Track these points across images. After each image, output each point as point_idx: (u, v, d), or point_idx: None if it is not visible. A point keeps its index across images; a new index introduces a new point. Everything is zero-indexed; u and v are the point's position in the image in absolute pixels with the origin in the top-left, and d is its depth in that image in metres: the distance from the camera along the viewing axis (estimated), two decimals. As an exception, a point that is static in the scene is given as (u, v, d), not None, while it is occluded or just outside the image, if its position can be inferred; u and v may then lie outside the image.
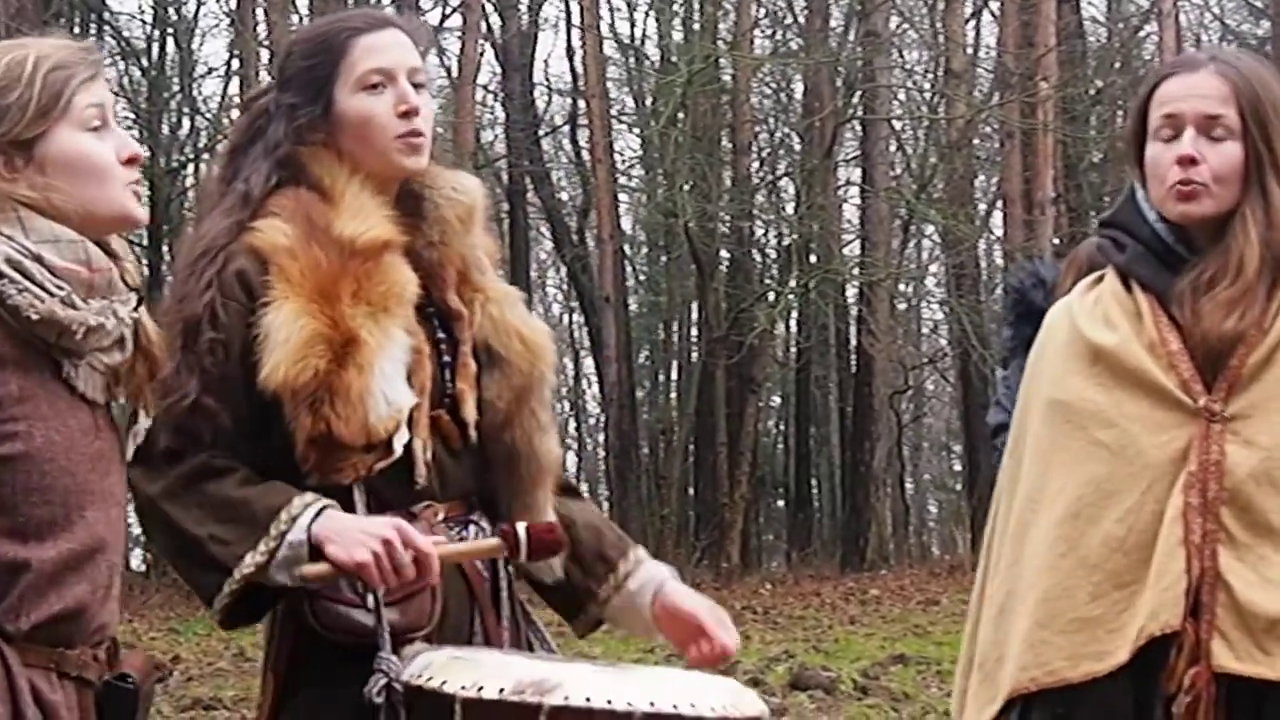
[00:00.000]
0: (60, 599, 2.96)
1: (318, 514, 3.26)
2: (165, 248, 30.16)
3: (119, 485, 3.13)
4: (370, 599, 3.28)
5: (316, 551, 3.24)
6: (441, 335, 3.52)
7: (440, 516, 3.45)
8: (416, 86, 3.51)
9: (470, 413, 3.50)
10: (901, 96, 31.18)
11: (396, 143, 3.48)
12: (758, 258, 31.18)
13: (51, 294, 2.94)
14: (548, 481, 3.59)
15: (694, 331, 32.05)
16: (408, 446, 3.37)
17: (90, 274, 3.01)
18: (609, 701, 3.00)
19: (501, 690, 3.03)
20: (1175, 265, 3.57)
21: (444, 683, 3.10)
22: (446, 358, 3.51)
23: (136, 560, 28.61)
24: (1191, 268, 3.54)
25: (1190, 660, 3.44)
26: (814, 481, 35.12)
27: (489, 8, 28.65)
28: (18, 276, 2.93)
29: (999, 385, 6.36)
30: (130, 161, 3.10)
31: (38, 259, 2.95)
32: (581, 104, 27.42)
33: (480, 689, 3.04)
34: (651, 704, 3.00)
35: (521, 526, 3.35)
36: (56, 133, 3.03)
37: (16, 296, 2.92)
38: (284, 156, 3.48)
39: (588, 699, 3.00)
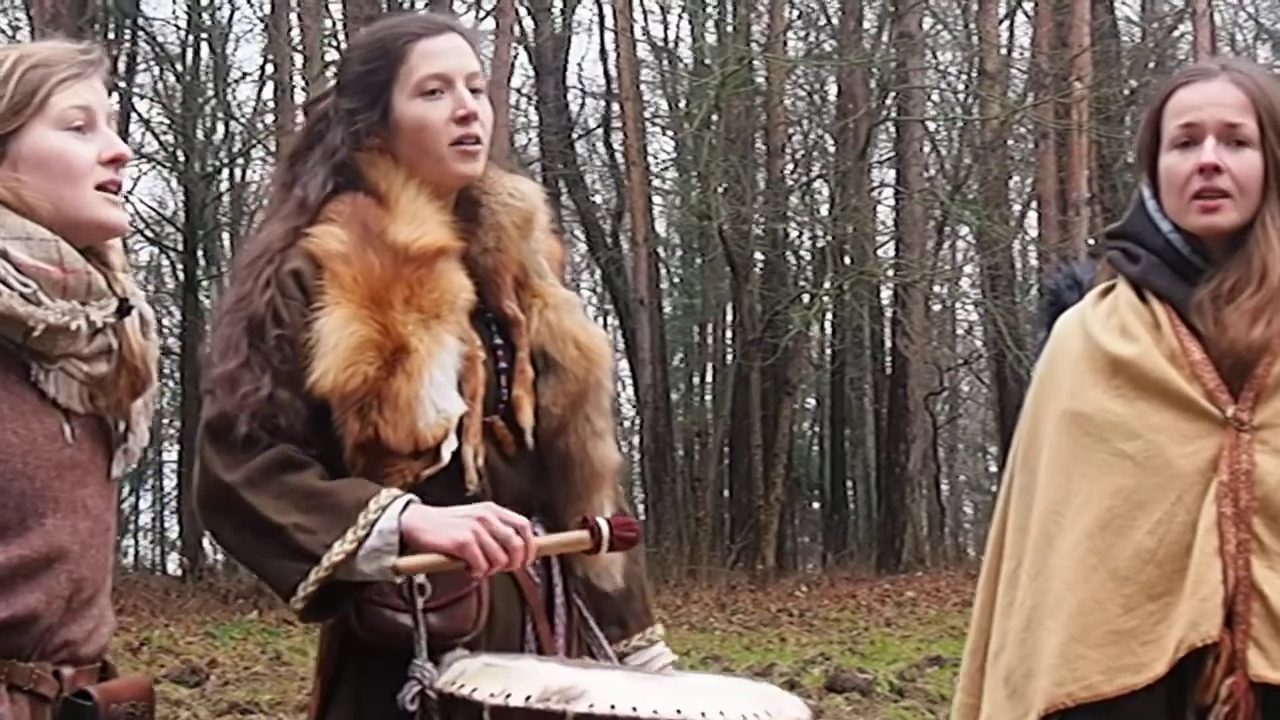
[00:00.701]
0: (9, 606, 2.87)
1: (406, 505, 3.25)
2: (200, 252, 30.28)
3: (96, 499, 3.04)
4: (417, 602, 3.27)
5: (406, 544, 3.22)
6: (498, 341, 3.52)
7: None
8: (474, 91, 3.51)
9: (527, 419, 3.49)
10: (935, 97, 31.16)
11: (452, 149, 3.47)
12: (792, 260, 31.19)
13: (12, 289, 2.88)
14: (604, 487, 3.58)
15: (728, 334, 32.08)
16: (458, 453, 3.37)
17: (62, 274, 2.95)
18: (634, 709, 2.98)
19: (528, 697, 3.02)
20: (1190, 275, 3.53)
21: (474, 690, 3.09)
22: (503, 364, 3.51)
23: (173, 565, 28.74)
24: (1210, 277, 3.50)
25: (1227, 670, 3.41)
26: (849, 483, 35.11)
27: (522, 11, 28.67)
28: None
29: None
30: (113, 161, 3.04)
31: (2, 255, 2.90)
32: (615, 107, 27.46)
33: (508, 696, 3.04)
34: (678, 711, 2.99)
35: (603, 520, 3.35)
36: (30, 130, 2.98)
37: None
38: (341, 162, 3.49)
39: (612, 706, 2.98)
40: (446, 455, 3.35)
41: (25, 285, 2.90)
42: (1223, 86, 3.53)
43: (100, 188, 3.02)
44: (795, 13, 30.48)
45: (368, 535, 3.21)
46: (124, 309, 3.05)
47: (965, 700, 3.77)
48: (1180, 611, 3.42)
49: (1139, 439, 3.49)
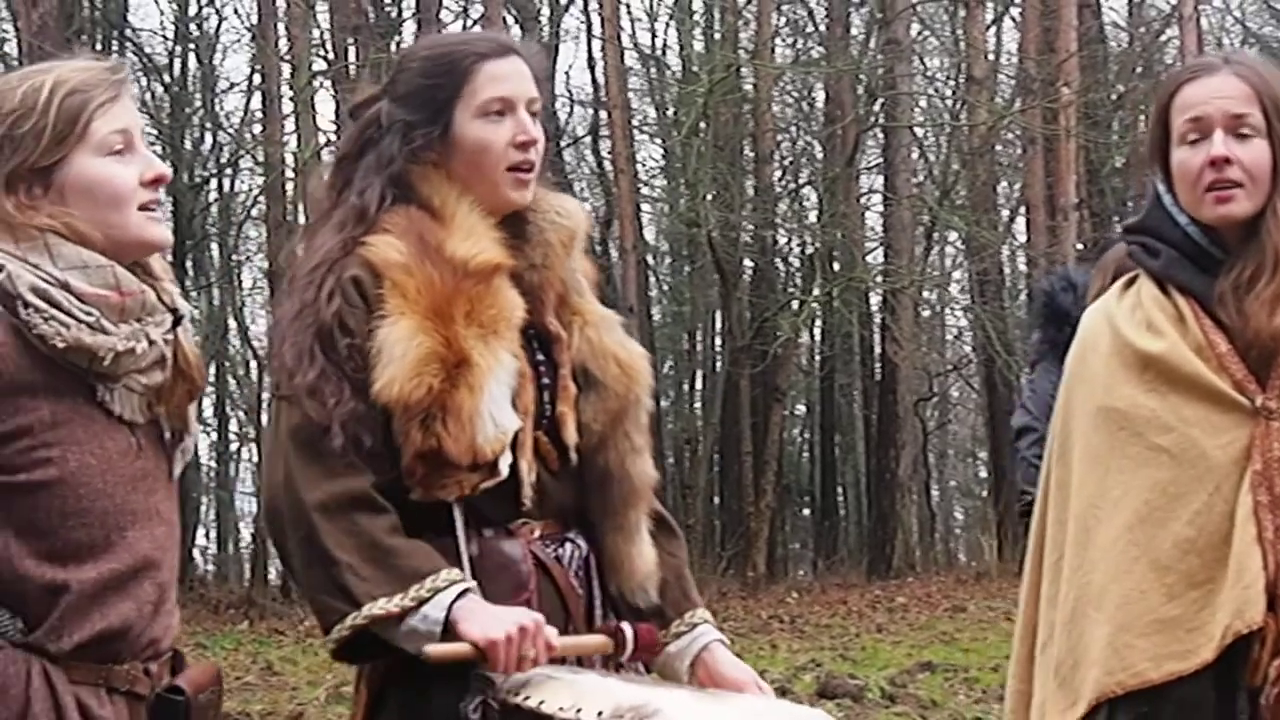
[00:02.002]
0: (104, 618, 2.99)
1: (460, 594, 3.26)
2: (189, 262, 30.24)
3: (165, 503, 3.13)
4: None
5: (448, 629, 3.24)
6: (541, 358, 3.54)
7: (536, 534, 3.49)
8: (533, 115, 3.54)
9: (571, 436, 3.53)
10: (923, 103, 31.17)
11: (508, 175, 3.51)
12: (781, 266, 31.18)
13: (79, 320, 2.96)
14: (641, 503, 3.61)
15: (718, 341, 32.08)
16: (513, 468, 3.40)
17: (121, 298, 3.03)
18: None
19: (600, 713, 3.03)
20: (1210, 267, 3.61)
21: (542, 702, 3.10)
22: (546, 380, 3.53)
23: (163, 575, 28.62)
24: (1230, 268, 3.58)
25: (1274, 653, 3.49)
26: (839, 489, 35.09)
27: (510, 20, 28.66)
28: (44, 305, 2.94)
29: (1024, 388, 6.37)
30: (155, 182, 3.11)
31: (64, 286, 2.97)
32: (603, 115, 27.42)
33: (578, 711, 3.05)
34: None
35: (628, 627, 3.36)
36: (74, 159, 3.04)
37: (43, 325, 2.94)
38: (397, 173, 3.50)
39: None
40: (504, 469, 3.38)
41: (89, 314, 2.98)
42: (1226, 79, 3.61)
43: (143, 208, 3.09)
44: (783, 20, 30.52)
45: (415, 609, 3.23)
46: (177, 319, 3.14)
47: (1017, 687, 3.87)
48: (1223, 599, 3.49)
49: (1173, 432, 3.56)
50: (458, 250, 3.41)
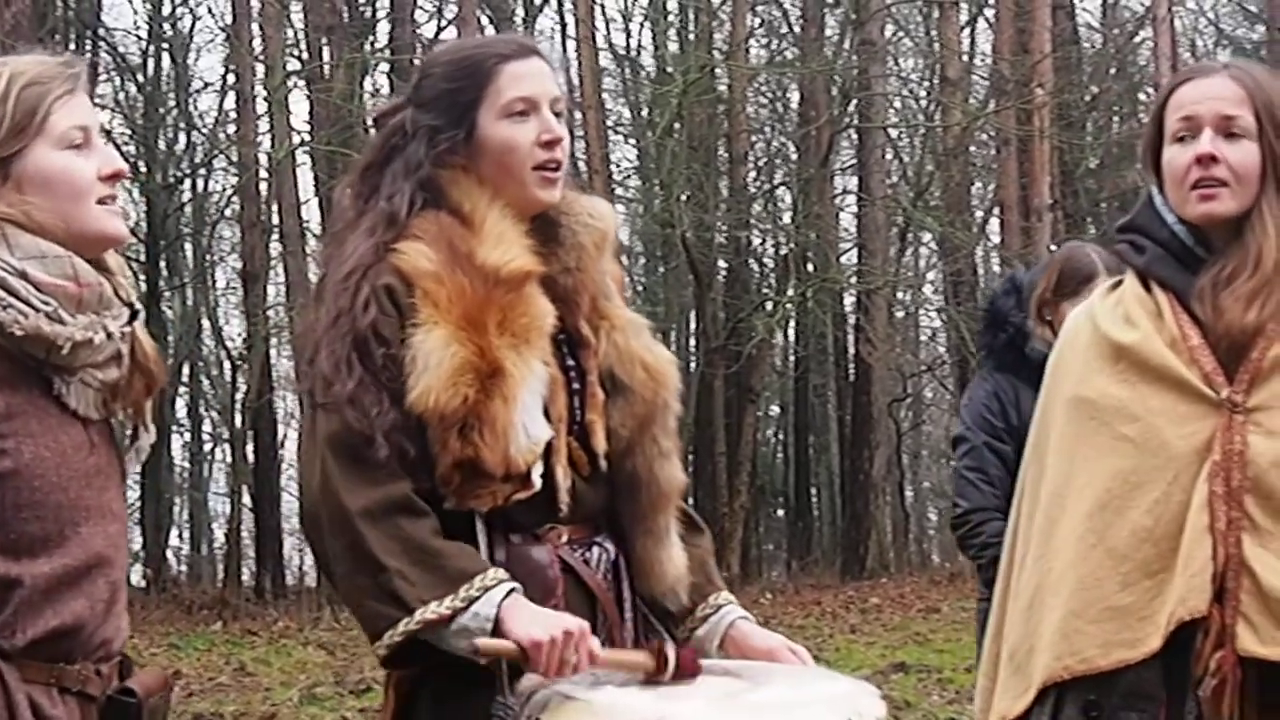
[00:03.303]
0: (57, 615, 2.96)
1: (508, 594, 3.27)
2: (163, 262, 30.19)
3: (118, 501, 3.11)
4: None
5: (497, 630, 3.24)
6: (570, 363, 3.55)
7: (564, 539, 3.49)
8: (556, 115, 3.54)
9: (600, 443, 3.54)
10: (897, 104, 31.19)
11: (535, 174, 3.51)
12: (755, 267, 31.18)
13: (37, 309, 2.94)
14: (669, 507, 3.62)
15: (692, 341, 32.07)
16: (549, 476, 3.41)
17: (78, 289, 3.01)
18: None
19: None
20: (1194, 266, 3.65)
21: None
22: (575, 386, 3.54)
23: (137, 576, 28.61)
24: (1211, 266, 3.62)
25: (1216, 645, 3.51)
26: (813, 490, 35.12)
27: (484, 20, 28.64)
28: (2, 293, 2.92)
29: (966, 395, 6.30)
30: (113, 177, 3.10)
31: (22, 275, 2.95)
32: (578, 115, 27.41)
33: None
34: None
35: (671, 649, 3.34)
36: (32, 151, 3.03)
37: (1, 313, 2.92)
38: (425, 178, 3.50)
39: None
40: (538, 481, 3.38)
41: (46, 304, 2.96)
42: (1221, 82, 3.67)
43: (100, 201, 3.07)
44: (757, 21, 30.50)
45: (465, 609, 3.24)
46: (134, 314, 3.13)
47: (984, 684, 3.89)
48: (1172, 587, 3.51)
49: (1139, 422, 3.60)
50: (488, 258, 3.41)
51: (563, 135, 3.54)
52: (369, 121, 3.83)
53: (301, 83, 26.36)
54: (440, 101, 3.54)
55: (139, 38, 31.40)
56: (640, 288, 35.14)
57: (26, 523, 2.94)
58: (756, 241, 30.93)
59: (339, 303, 3.39)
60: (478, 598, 3.24)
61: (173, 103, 31.06)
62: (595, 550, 3.54)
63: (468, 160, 3.52)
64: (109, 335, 3.05)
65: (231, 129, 29.05)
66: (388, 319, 3.35)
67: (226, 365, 32.80)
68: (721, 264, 28.90)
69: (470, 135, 3.52)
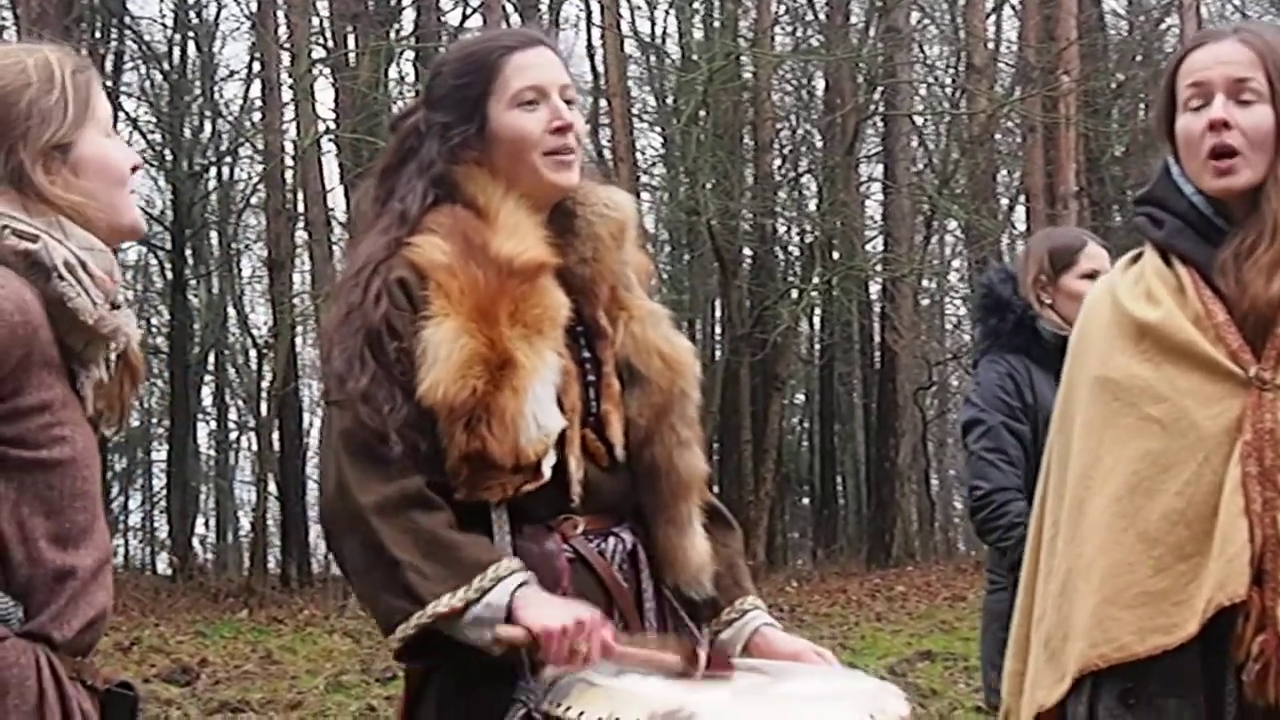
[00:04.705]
0: (92, 606, 2.97)
1: (520, 585, 3.27)
2: (188, 250, 30.24)
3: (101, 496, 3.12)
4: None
5: (510, 619, 3.24)
6: (586, 354, 3.55)
7: (580, 529, 3.49)
8: (568, 103, 3.55)
9: (616, 433, 3.53)
10: (923, 92, 31.14)
11: (547, 159, 3.51)
12: (780, 255, 31.18)
13: (95, 302, 2.95)
14: (691, 496, 3.61)
15: (717, 330, 32.04)
16: (562, 466, 3.41)
17: (112, 284, 3.02)
18: None
19: None
20: (1214, 237, 3.59)
21: (581, 713, 3.11)
22: (590, 377, 3.54)
23: (163, 564, 28.69)
24: (1232, 237, 3.56)
25: (1257, 628, 3.45)
26: (839, 478, 35.10)
27: (509, 8, 28.64)
28: (74, 280, 2.93)
29: (971, 382, 6.25)
30: (134, 169, 3.12)
31: (83, 265, 2.96)
32: (603, 103, 27.38)
33: (615, 719, 3.05)
34: None
35: (704, 651, 3.33)
36: (86, 136, 3.04)
37: (77, 300, 2.92)
38: (439, 174, 3.52)
39: None
40: (547, 471, 3.38)
41: (97, 296, 2.96)
42: (1231, 46, 3.61)
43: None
44: (782, 8, 30.47)
45: (478, 600, 3.24)
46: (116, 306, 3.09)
47: (1014, 667, 3.85)
48: (1209, 572, 3.45)
49: (1165, 402, 3.54)
50: (502, 249, 3.41)
51: (573, 121, 3.54)
52: (388, 123, 3.82)
53: (327, 71, 26.37)
54: (450, 98, 3.57)
55: (165, 26, 31.49)
56: (665, 275, 35.16)
57: (77, 512, 2.95)
58: (782, 229, 30.93)
59: (350, 298, 3.40)
60: (490, 588, 3.24)
61: (198, 91, 31.10)
62: (611, 540, 3.53)
63: (481, 154, 3.53)
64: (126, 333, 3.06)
65: (257, 117, 29.06)
66: (400, 312, 3.36)
67: (252, 353, 32.82)
68: (746, 252, 28.89)
69: (482, 128, 3.53)
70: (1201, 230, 3.61)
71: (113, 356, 3.03)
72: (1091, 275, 5.72)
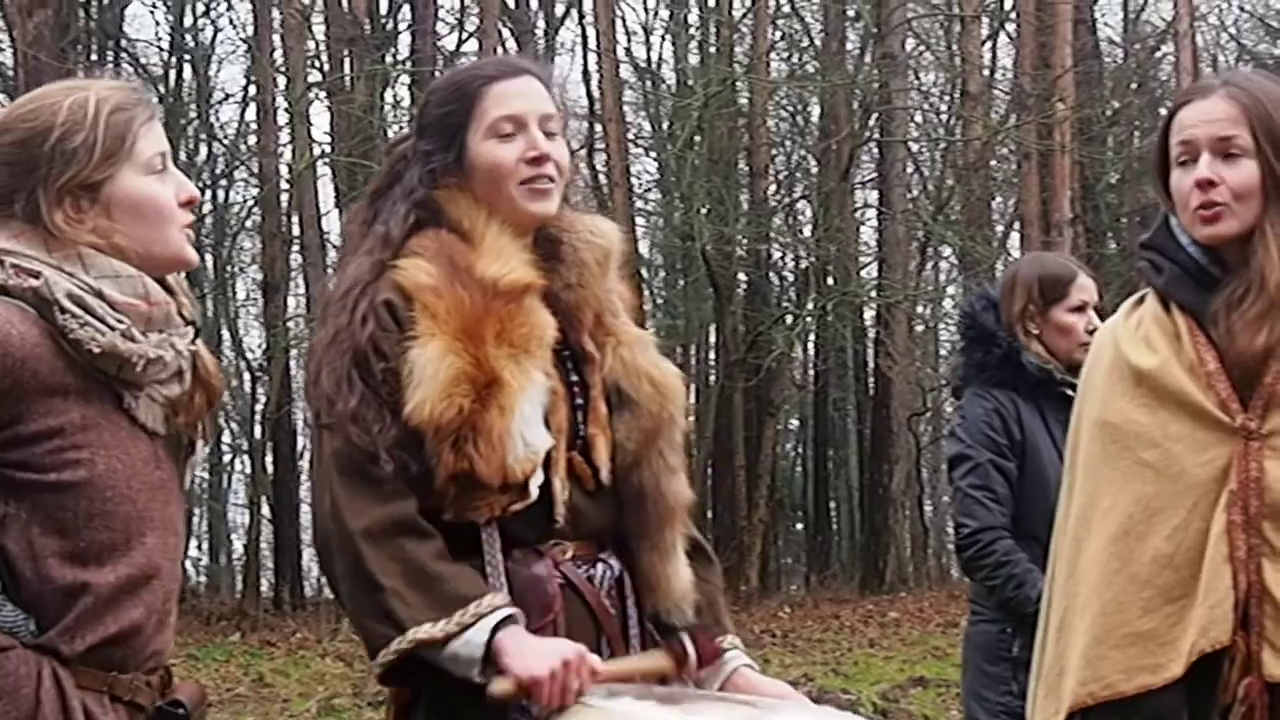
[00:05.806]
0: (116, 622, 3.02)
1: (503, 620, 3.28)
2: (183, 274, 30.19)
3: (178, 515, 3.17)
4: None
5: (489, 658, 3.25)
6: (574, 378, 3.56)
7: (569, 555, 3.49)
8: (549, 134, 3.57)
9: (602, 457, 3.54)
10: (918, 118, 31.19)
11: (522, 189, 3.53)
12: (775, 281, 31.19)
13: (112, 328, 3.01)
14: (676, 522, 3.62)
15: (712, 355, 32.05)
16: (547, 487, 3.41)
17: (149, 307, 3.08)
18: None
19: None
20: (1210, 285, 3.65)
21: None
22: (578, 400, 3.55)
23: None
24: (1224, 287, 3.62)
25: (1242, 672, 3.53)
26: (832, 504, 35.08)
27: (505, 33, 28.68)
28: (79, 311, 2.99)
29: (954, 416, 6.20)
30: (187, 203, 3.18)
31: (98, 294, 3.02)
32: (598, 128, 27.42)
33: None
34: None
35: (687, 637, 3.37)
36: (121, 175, 3.10)
37: (79, 330, 2.98)
38: (420, 199, 3.55)
39: None
40: (534, 491, 3.39)
41: (120, 322, 3.03)
42: (1216, 102, 3.65)
43: (180, 228, 3.17)
44: (778, 34, 30.53)
45: (458, 634, 3.25)
46: (197, 331, 3.21)
47: (1038, 690, 3.88)
48: (1193, 616, 3.53)
49: (1158, 448, 3.60)
50: (487, 271, 3.44)
51: (548, 151, 3.55)
52: (384, 148, 3.85)
53: (322, 94, 26.40)
54: (434, 127, 3.61)
55: (160, 49, 31.50)
56: (660, 301, 35.17)
57: (97, 531, 3.01)
58: (777, 255, 30.95)
59: (338, 320, 3.42)
60: (471, 625, 3.25)
61: (194, 114, 31.11)
62: (600, 567, 3.54)
63: (461, 181, 3.56)
64: (176, 352, 3.12)
65: (252, 140, 29.13)
66: (386, 334, 3.38)
67: (246, 376, 32.84)
68: (741, 277, 28.91)
69: (460, 157, 3.57)
70: (1198, 278, 3.67)
71: (165, 375, 3.09)
72: (1080, 308, 5.71)
